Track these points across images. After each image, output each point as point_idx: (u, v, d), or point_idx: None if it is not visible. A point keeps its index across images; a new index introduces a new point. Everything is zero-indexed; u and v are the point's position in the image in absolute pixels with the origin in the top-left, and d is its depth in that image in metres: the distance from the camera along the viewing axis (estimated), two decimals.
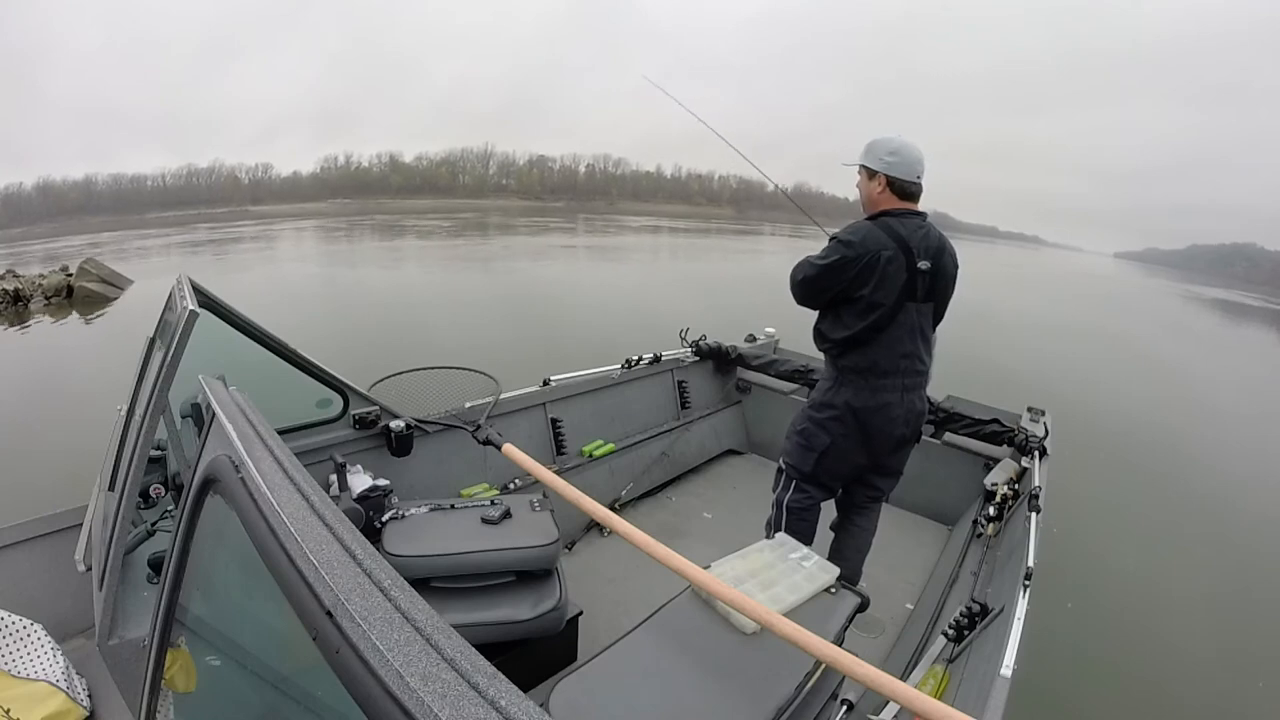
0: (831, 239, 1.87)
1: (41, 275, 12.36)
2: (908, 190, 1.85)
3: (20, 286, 11.20)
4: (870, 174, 1.86)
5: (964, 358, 6.61)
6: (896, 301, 1.82)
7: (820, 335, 1.96)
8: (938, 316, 1.94)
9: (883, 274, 1.78)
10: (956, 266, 1.91)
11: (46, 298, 11.37)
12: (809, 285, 1.88)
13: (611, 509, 1.83)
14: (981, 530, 2.46)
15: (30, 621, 1.36)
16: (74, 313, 10.80)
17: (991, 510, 2.48)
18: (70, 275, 12.21)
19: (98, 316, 10.50)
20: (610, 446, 2.96)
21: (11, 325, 9.77)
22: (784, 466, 2.07)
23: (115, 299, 11.89)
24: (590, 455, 2.88)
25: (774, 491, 2.12)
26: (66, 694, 1.27)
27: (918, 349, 1.90)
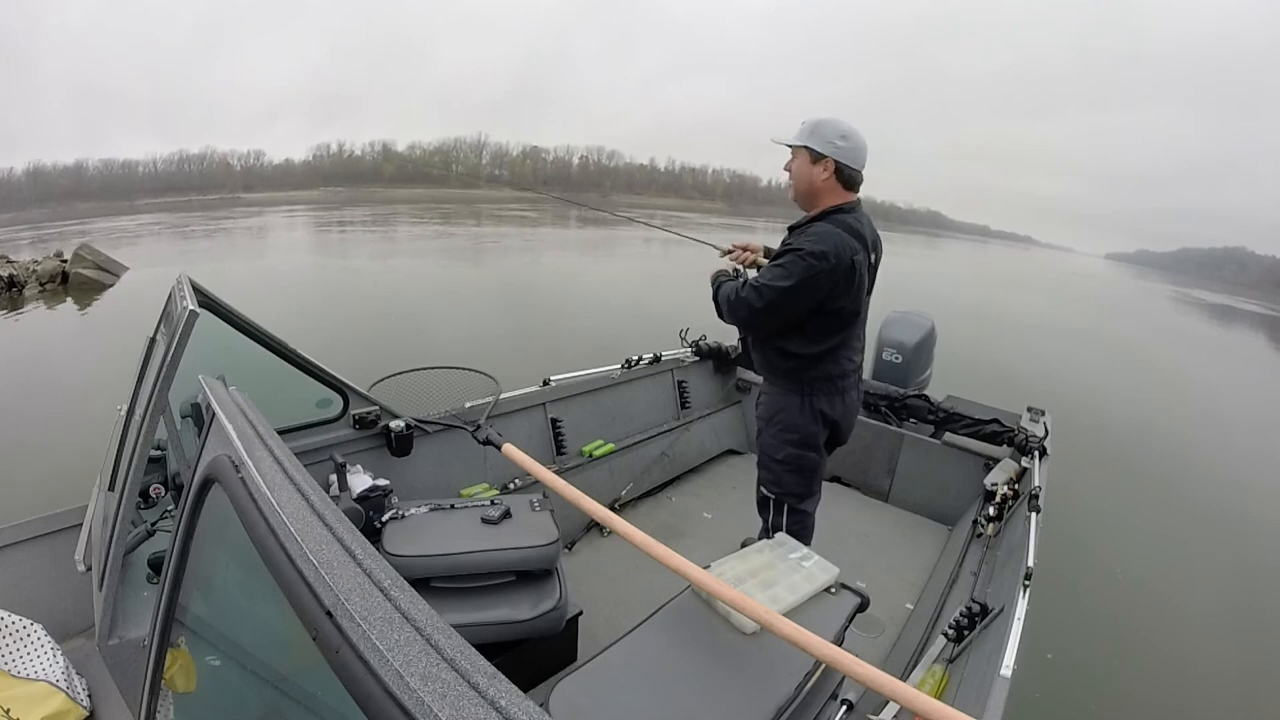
0: (789, 251, 1.67)
1: (35, 261, 12.29)
2: (854, 180, 1.72)
3: (15, 272, 11.14)
4: (815, 158, 1.68)
5: (964, 358, 6.61)
6: (863, 302, 1.78)
7: (782, 354, 1.79)
8: None
9: (860, 279, 1.69)
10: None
11: (41, 284, 11.32)
12: (773, 311, 1.69)
13: (611, 509, 1.83)
14: (981, 530, 2.46)
15: (30, 621, 1.36)
16: (69, 299, 10.76)
17: (991, 510, 2.48)
18: (65, 261, 12.16)
19: (93, 304, 10.48)
20: (610, 446, 2.96)
21: (6, 312, 9.73)
22: (773, 496, 1.90)
23: (111, 285, 11.85)
24: (590, 455, 2.88)
25: (764, 519, 1.96)
26: (66, 694, 1.26)
27: (864, 340, 1.89)
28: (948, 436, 3.09)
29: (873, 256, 1.77)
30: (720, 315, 1.85)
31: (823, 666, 1.24)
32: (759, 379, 3.65)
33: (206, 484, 0.82)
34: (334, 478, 1.93)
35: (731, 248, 1.98)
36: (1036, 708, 2.42)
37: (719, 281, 1.86)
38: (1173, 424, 7.76)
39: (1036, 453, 2.61)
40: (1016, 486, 2.59)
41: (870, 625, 2.22)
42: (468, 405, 2.39)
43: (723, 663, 1.23)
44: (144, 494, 1.63)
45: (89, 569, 1.43)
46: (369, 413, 2.11)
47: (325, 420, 2.06)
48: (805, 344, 1.76)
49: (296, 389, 1.95)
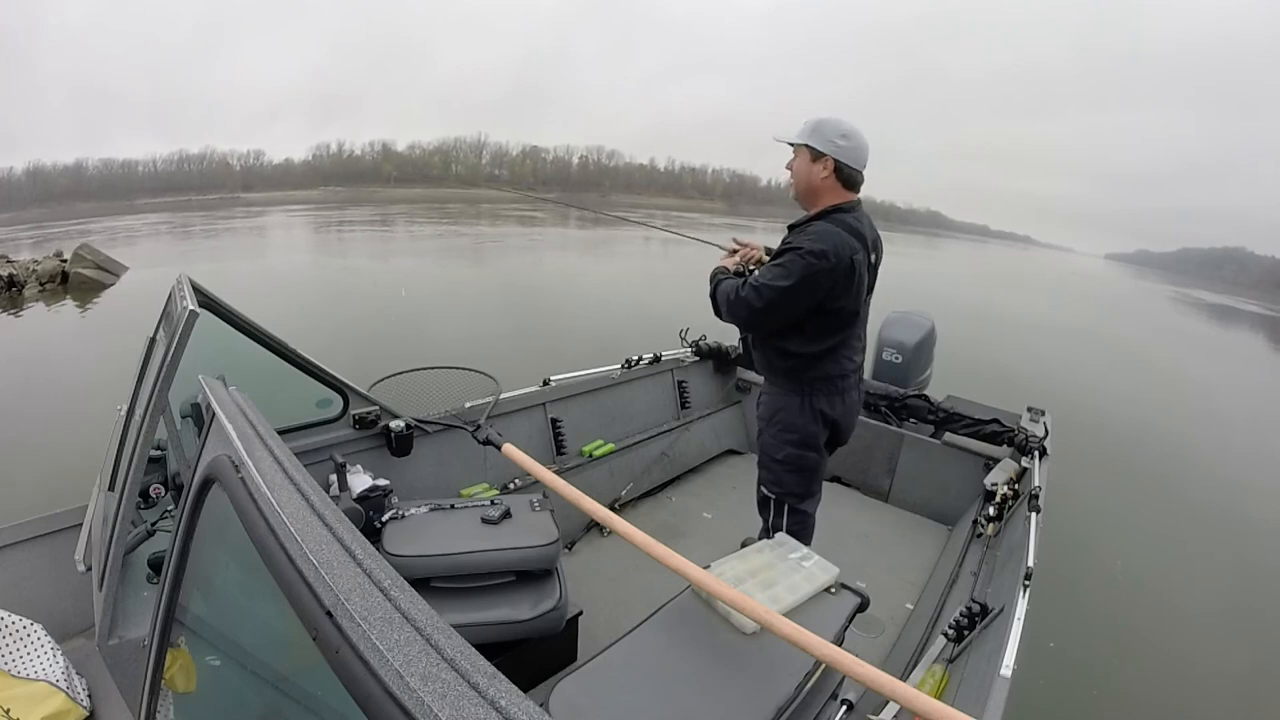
0: (788, 250, 1.67)
1: (35, 261, 12.27)
2: (855, 180, 1.72)
3: (15, 272, 11.12)
4: (815, 156, 1.69)
5: (964, 358, 6.61)
6: (862, 302, 1.78)
7: (782, 353, 1.79)
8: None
9: (860, 278, 1.69)
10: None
11: (41, 284, 11.31)
12: (772, 311, 1.69)
13: (611, 509, 1.83)
14: (981, 530, 2.46)
15: (30, 621, 1.36)
16: (69, 299, 10.77)
17: (991, 510, 2.48)
18: (65, 261, 12.14)
19: (93, 304, 10.48)
20: (610, 446, 2.96)
21: (6, 312, 9.73)
22: (773, 495, 1.90)
23: (111, 285, 11.84)
24: (590, 455, 2.88)
25: (764, 519, 1.96)
26: (66, 694, 1.26)
27: (864, 340, 1.89)
28: (948, 436, 3.09)
29: (872, 256, 1.76)
30: (718, 314, 1.85)
31: (823, 666, 1.24)
32: (759, 379, 3.65)
33: (206, 484, 0.82)
34: (334, 478, 1.93)
35: (736, 246, 1.97)
36: (1036, 708, 2.43)
37: (718, 280, 1.85)
38: (1173, 424, 7.76)
39: (1036, 453, 2.61)
40: (1016, 486, 2.59)
41: (870, 625, 2.22)
42: (468, 405, 2.39)
43: (723, 663, 1.23)
44: (144, 494, 1.63)
45: (89, 569, 1.43)
46: (369, 413, 2.11)
47: (325, 420, 2.06)
48: (805, 343, 1.76)
49: (296, 389, 1.95)
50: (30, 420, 5.12)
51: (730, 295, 1.76)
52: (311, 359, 1.93)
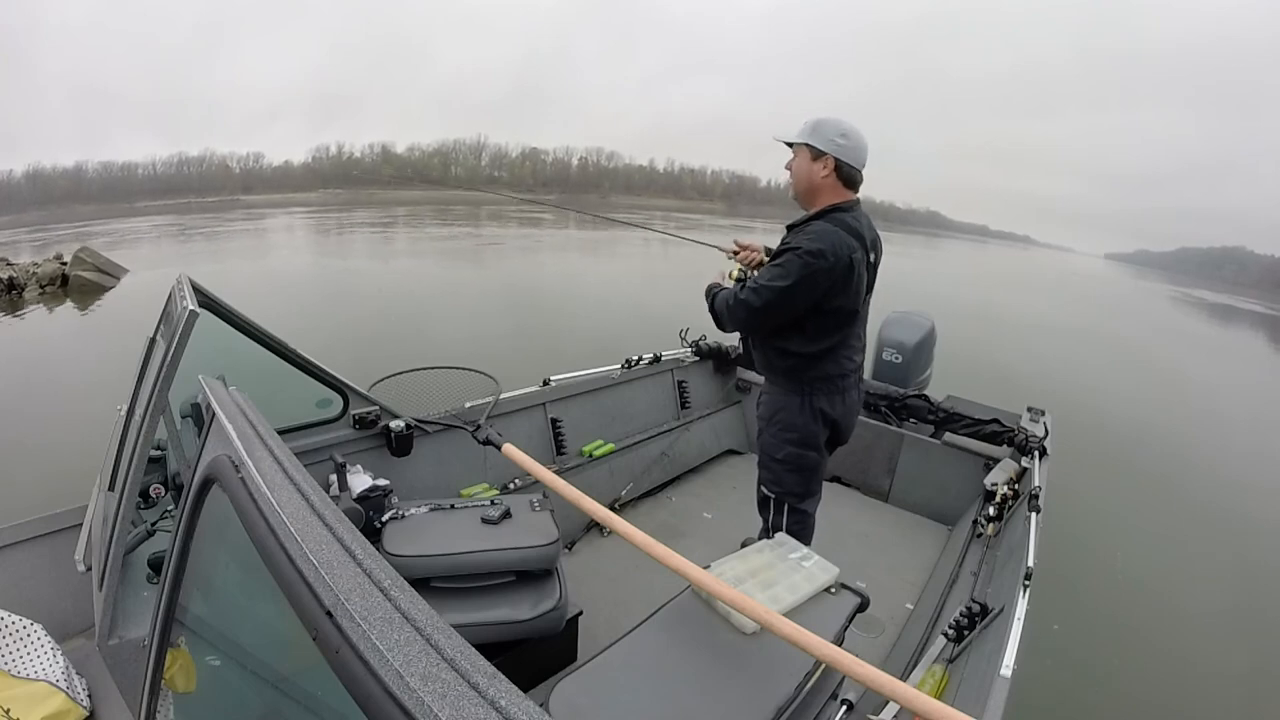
0: (787, 250, 1.68)
1: (35, 263, 12.27)
2: (854, 179, 1.72)
3: (15, 275, 11.13)
4: (815, 155, 1.70)
5: (964, 358, 6.62)
6: (861, 301, 1.78)
7: (782, 353, 1.79)
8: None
9: (858, 277, 1.69)
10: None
11: (41, 286, 11.31)
12: (771, 310, 1.69)
13: (611, 509, 1.83)
14: (981, 530, 2.46)
15: (30, 621, 1.36)
16: (69, 301, 10.78)
17: (991, 510, 2.48)
18: (65, 264, 12.13)
19: (93, 306, 10.49)
20: (610, 446, 2.96)
21: (6, 314, 9.74)
22: (773, 495, 1.90)
23: (111, 288, 11.84)
24: (590, 455, 2.88)
25: (764, 519, 1.96)
26: (66, 694, 1.26)
27: (864, 340, 1.89)
28: (948, 436, 3.09)
29: (871, 256, 1.77)
30: (720, 325, 1.86)
31: (823, 666, 1.24)
32: (759, 379, 3.64)
33: (206, 484, 0.81)
34: (334, 478, 1.93)
35: (738, 248, 1.98)
36: (1036, 708, 2.43)
37: (713, 293, 1.86)
38: (1173, 424, 7.76)
39: (1036, 453, 2.61)
40: (1016, 486, 2.59)
41: (870, 625, 2.22)
42: (468, 405, 2.39)
43: (723, 663, 1.23)
44: (144, 494, 1.63)
45: (89, 569, 1.43)
46: (369, 413, 2.11)
47: (325, 420, 2.06)
48: (805, 343, 1.76)
49: (296, 389, 1.95)
50: (30, 420, 5.12)
51: (729, 300, 1.77)
52: (311, 359, 1.93)
